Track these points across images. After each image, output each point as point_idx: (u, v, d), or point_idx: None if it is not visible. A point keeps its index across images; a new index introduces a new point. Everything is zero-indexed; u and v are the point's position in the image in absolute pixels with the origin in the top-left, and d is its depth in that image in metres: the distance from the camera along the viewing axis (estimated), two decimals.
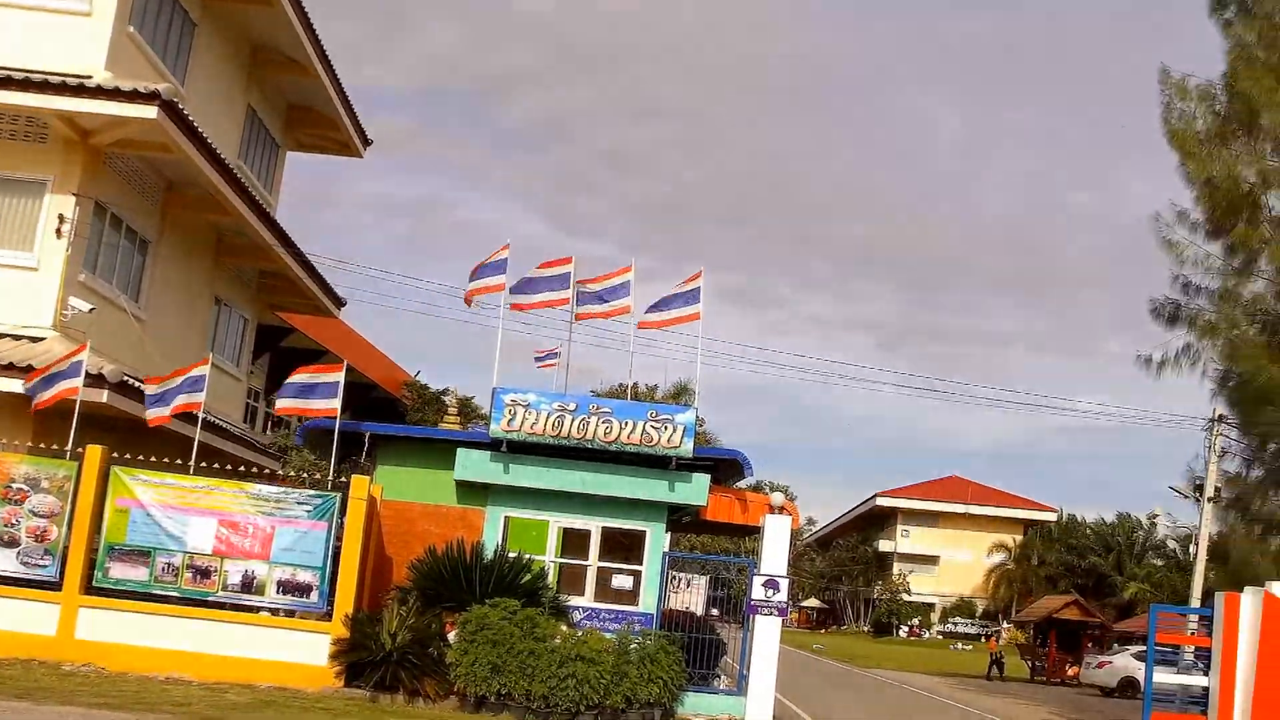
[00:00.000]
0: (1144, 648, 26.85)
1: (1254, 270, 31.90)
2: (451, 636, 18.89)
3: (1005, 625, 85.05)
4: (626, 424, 20.55)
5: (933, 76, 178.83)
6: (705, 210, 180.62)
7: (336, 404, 20.38)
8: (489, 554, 20.18)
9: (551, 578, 20.70)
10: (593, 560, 21.20)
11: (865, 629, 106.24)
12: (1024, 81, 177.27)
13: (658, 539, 21.34)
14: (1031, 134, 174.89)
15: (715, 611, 26.51)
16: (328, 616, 19.34)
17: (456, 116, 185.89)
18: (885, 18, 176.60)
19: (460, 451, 20.94)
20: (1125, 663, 45.01)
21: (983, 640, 66.30)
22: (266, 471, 24.56)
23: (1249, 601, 22.29)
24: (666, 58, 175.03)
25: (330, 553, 19.51)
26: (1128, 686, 43.23)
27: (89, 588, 19.03)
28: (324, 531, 19.55)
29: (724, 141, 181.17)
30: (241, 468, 20.69)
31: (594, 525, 21.24)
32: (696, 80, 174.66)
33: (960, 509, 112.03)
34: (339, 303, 31.79)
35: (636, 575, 21.15)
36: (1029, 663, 57.86)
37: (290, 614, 19.76)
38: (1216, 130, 32.03)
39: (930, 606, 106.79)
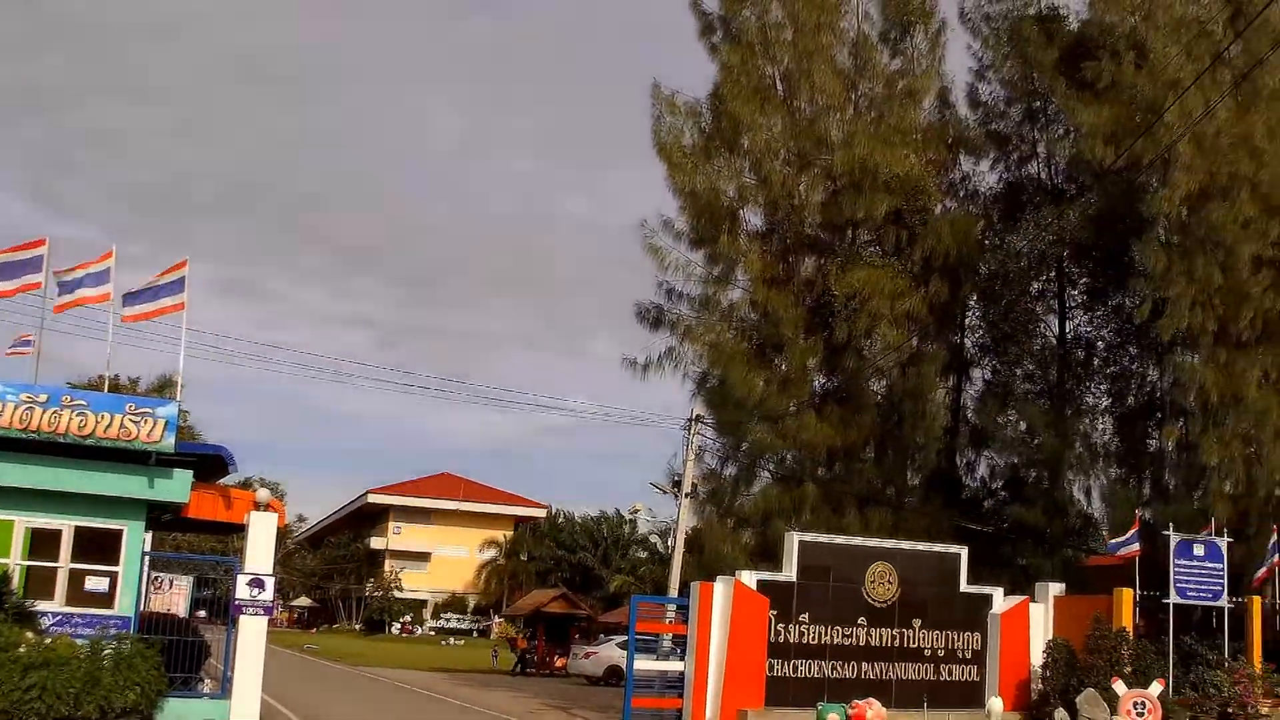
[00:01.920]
0: (627, 637, 27.93)
1: (732, 279, 34.13)
2: None
3: (497, 619, 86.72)
4: (103, 417, 19.65)
5: (433, 76, 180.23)
6: (199, 199, 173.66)
7: None
8: None
9: (17, 582, 19.47)
10: (64, 562, 20.12)
11: (358, 627, 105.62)
12: (524, 87, 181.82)
13: (136, 538, 20.54)
14: (530, 138, 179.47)
15: (202, 613, 25.72)
16: None
17: None
18: (385, 15, 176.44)
19: None
20: (610, 652, 46.62)
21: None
22: None
23: (721, 590, 23.81)
24: (156, 40, 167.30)
25: None
26: (613, 675, 44.78)
27: None
28: None
29: (217, 130, 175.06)
30: None
31: (66, 525, 20.17)
32: (187, 65, 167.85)
33: (452, 506, 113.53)
34: None
35: (113, 576, 20.27)
36: (519, 655, 59.20)
37: None
38: (702, 146, 34.08)
39: (423, 603, 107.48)
